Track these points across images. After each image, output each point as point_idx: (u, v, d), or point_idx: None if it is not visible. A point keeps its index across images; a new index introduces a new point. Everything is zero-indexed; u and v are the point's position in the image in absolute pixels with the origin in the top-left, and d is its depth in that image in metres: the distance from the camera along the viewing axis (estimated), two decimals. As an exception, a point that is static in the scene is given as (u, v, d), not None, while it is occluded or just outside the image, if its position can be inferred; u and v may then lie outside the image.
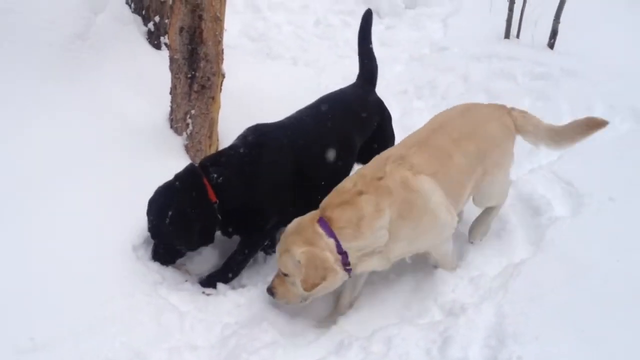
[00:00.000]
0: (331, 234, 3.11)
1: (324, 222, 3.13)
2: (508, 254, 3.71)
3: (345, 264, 3.15)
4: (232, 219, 3.54)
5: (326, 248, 3.10)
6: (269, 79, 5.88)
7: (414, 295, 3.51)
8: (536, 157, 4.67)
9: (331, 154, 3.82)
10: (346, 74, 6.25)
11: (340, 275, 3.17)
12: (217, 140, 4.42)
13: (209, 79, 4.13)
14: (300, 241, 3.11)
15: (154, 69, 4.85)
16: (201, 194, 3.40)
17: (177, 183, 3.43)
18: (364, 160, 4.04)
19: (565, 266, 3.40)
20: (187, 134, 4.25)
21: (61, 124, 4.02)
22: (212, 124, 4.28)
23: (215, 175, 3.45)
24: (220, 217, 3.46)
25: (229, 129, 4.57)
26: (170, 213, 3.34)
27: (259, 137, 3.64)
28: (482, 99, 5.88)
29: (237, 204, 3.50)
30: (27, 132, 3.86)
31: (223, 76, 4.30)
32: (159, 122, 4.40)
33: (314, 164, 3.74)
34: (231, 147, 3.62)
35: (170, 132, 4.34)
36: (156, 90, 4.56)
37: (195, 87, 4.14)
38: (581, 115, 5.20)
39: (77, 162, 3.80)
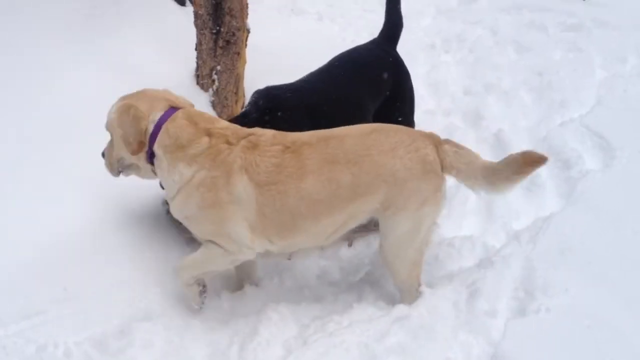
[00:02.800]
0: (163, 117, 2.85)
1: (172, 111, 2.89)
2: (538, 207, 3.66)
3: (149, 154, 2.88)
4: None
5: (149, 109, 2.88)
6: (294, 35, 5.83)
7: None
8: (567, 110, 4.59)
9: (342, 116, 3.75)
10: (372, 28, 6.14)
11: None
12: (243, 95, 4.41)
13: (233, 34, 4.11)
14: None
15: (180, 26, 4.84)
16: None
17: None
18: (382, 119, 3.98)
19: (595, 219, 3.35)
20: (213, 90, 4.25)
21: (88, 82, 4.04)
22: (238, 80, 4.27)
23: None
24: None
25: (255, 84, 4.55)
26: None
27: (270, 101, 3.55)
28: (511, 51, 5.79)
29: None
30: (56, 91, 3.90)
31: (248, 31, 4.27)
32: (186, 79, 4.40)
33: (326, 123, 3.66)
34: (244, 114, 3.53)
35: (197, 88, 4.35)
36: (182, 47, 4.55)
37: (220, 42, 4.12)
38: (614, 67, 5.16)
39: (100, 116, 3.82)
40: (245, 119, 3.43)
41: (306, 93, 3.64)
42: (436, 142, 2.97)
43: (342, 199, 2.83)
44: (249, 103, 3.60)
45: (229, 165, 2.76)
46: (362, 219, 2.96)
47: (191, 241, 3.21)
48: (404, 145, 2.89)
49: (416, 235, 2.96)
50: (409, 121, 4.09)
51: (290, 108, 3.54)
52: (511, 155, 2.94)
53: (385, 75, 3.97)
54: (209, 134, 2.82)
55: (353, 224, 2.97)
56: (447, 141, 3.00)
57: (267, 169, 2.77)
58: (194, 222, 2.90)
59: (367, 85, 3.88)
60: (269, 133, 2.89)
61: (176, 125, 2.83)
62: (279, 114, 3.48)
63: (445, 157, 2.93)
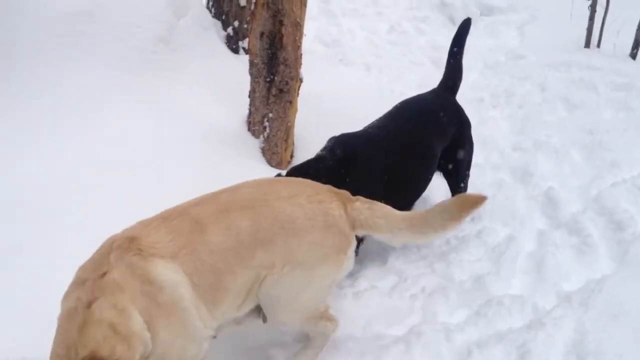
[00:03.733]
0: None
1: None
2: (589, 269, 3.58)
3: None
4: None
5: None
6: (343, 85, 5.92)
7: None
8: (619, 170, 4.52)
9: (416, 161, 3.79)
10: (420, 80, 6.26)
11: None
12: (293, 143, 4.47)
13: (287, 83, 4.19)
14: None
15: (233, 73, 4.97)
16: None
17: None
18: (444, 169, 3.99)
19: (650, 284, 3.27)
20: (264, 136, 4.31)
21: (142, 125, 4.15)
22: (288, 128, 4.33)
23: None
24: None
25: (304, 132, 4.62)
26: None
27: (347, 148, 3.56)
28: (560, 108, 5.77)
29: None
30: (109, 132, 4.01)
31: (301, 80, 4.34)
32: (237, 125, 4.49)
33: (400, 171, 3.69)
34: (318, 159, 3.52)
35: (248, 134, 4.42)
36: (234, 93, 4.66)
37: (274, 91, 4.20)
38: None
39: (158, 163, 3.91)
40: (319, 164, 3.47)
41: (380, 139, 3.68)
42: (344, 199, 2.79)
43: (246, 246, 2.52)
44: (324, 148, 3.60)
45: (133, 274, 2.30)
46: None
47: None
48: (306, 194, 2.69)
49: (313, 295, 2.75)
50: (466, 171, 4.17)
51: (367, 154, 3.58)
52: (441, 202, 2.82)
53: (450, 120, 4.02)
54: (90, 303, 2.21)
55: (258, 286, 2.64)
56: (358, 198, 2.83)
57: (167, 242, 2.40)
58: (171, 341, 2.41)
59: (436, 130, 3.93)
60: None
61: None
62: (356, 161, 3.51)
63: (358, 215, 2.75)
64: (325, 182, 3.20)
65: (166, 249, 2.38)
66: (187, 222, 2.47)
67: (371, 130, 3.78)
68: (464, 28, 4.29)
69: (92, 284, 2.25)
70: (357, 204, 2.79)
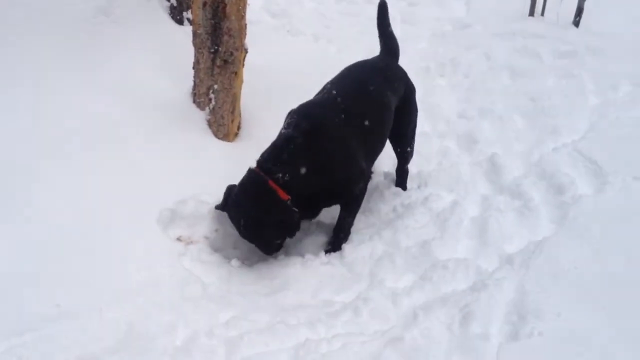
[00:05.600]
0: None
1: None
2: (530, 231, 3.68)
3: None
4: (321, 201, 3.61)
5: None
6: (291, 55, 5.88)
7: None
8: (560, 135, 4.64)
9: (376, 118, 3.81)
10: (368, 50, 6.20)
11: None
12: (240, 115, 4.43)
13: (232, 53, 4.13)
14: None
15: (177, 44, 4.87)
16: (271, 199, 3.41)
17: (244, 193, 3.46)
18: (392, 132, 4.02)
19: (587, 244, 3.37)
20: (209, 108, 4.26)
21: (83, 98, 4.04)
22: (234, 99, 4.28)
23: (280, 175, 3.41)
24: (297, 208, 3.46)
25: (251, 103, 4.58)
26: (249, 224, 3.44)
27: (311, 121, 3.54)
28: (505, 76, 5.87)
29: (320, 189, 3.52)
30: (49, 107, 3.89)
31: (246, 51, 4.29)
32: (182, 97, 4.41)
33: (364, 130, 3.69)
34: (287, 139, 3.50)
35: (193, 106, 4.35)
36: (179, 65, 4.57)
37: (218, 62, 4.14)
38: (606, 93, 5.21)
39: (100, 137, 3.84)
40: (290, 145, 3.48)
41: (340, 103, 3.68)
42: None
43: None
44: (288, 125, 3.58)
45: None
46: None
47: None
48: None
49: None
50: (413, 134, 4.24)
51: (333, 123, 3.59)
52: None
53: (400, 81, 4.09)
54: None
55: None
56: None
57: None
58: None
59: (389, 87, 3.96)
60: None
61: None
62: (324, 132, 3.53)
63: None
64: (302, 164, 3.41)
65: None
66: None
67: (327, 95, 3.77)
68: (382, 10, 4.32)
69: None
70: None
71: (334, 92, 3.75)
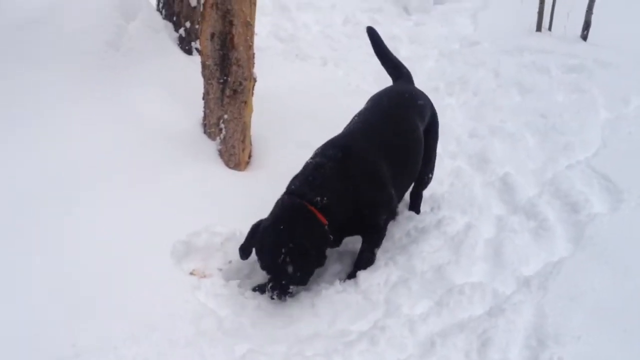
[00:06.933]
0: None
1: None
2: (547, 252, 3.65)
3: None
4: (347, 229, 3.57)
5: None
6: (299, 80, 5.91)
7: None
8: (573, 152, 4.61)
9: (406, 146, 3.85)
10: (376, 73, 6.25)
11: None
12: (250, 144, 4.44)
13: (240, 83, 4.16)
14: None
15: (186, 75, 4.91)
16: (313, 222, 3.35)
17: (286, 219, 3.35)
18: None
19: (605, 265, 3.34)
20: (220, 138, 4.28)
21: (94, 131, 4.08)
22: (245, 128, 4.30)
23: (318, 199, 3.38)
24: (331, 235, 3.44)
25: (261, 132, 4.60)
26: (289, 250, 3.27)
27: (340, 148, 3.56)
28: (514, 93, 5.87)
29: (349, 215, 3.49)
30: (62, 139, 3.93)
31: (255, 80, 4.32)
32: (192, 128, 4.44)
33: (396, 156, 3.72)
34: (317, 166, 3.49)
35: (204, 137, 4.38)
36: (189, 95, 4.60)
37: (228, 92, 4.17)
38: (617, 108, 5.18)
39: (113, 169, 3.86)
40: (321, 170, 3.47)
41: (368, 132, 3.73)
42: None
43: None
44: (316, 155, 3.60)
45: None
46: None
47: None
48: None
49: None
50: (434, 160, 4.29)
51: (362, 147, 3.61)
52: None
53: (426, 107, 4.12)
54: None
55: None
56: None
57: None
58: None
59: (418, 115, 3.99)
60: None
61: None
62: (354, 155, 3.54)
63: None
64: (337, 187, 3.41)
65: None
66: None
67: (354, 127, 3.81)
68: (373, 37, 4.41)
69: None
70: None
71: (362, 124, 3.80)
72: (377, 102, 4.02)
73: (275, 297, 3.41)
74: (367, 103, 4.07)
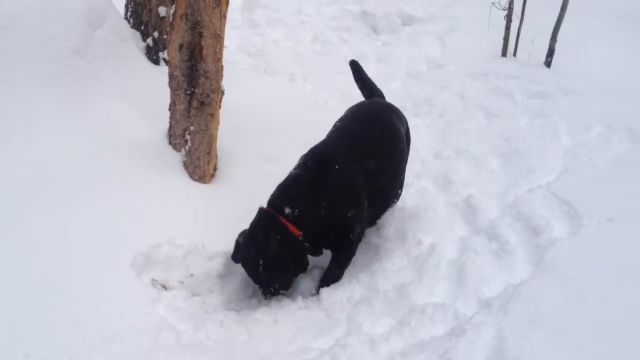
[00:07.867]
0: None
1: None
2: (508, 274, 3.67)
3: None
4: (320, 240, 3.66)
5: None
6: (267, 95, 5.90)
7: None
8: (534, 176, 4.67)
9: (389, 155, 3.93)
10: (343, 90, 6.30)
11: None
12: (216, 156, 4.40)
13: (208, 95, 4.12)
14: None
15: (153, 85, 4.86)
16: (285, 234, 3.47)
17: (259, 232, 3.51)
18: None
19: (565, 288, 3.36)
20: (185, 150, 4.23)
21: (56, 140, 4.01)
22: (211, 141, 4.26)
23: (290, 211, 3.49)
24: (308, 244, 3.55)
25: (227, 144, 4.56)
26: (265, 262, 3.46)
27: (318, 160, 3.66)
28: (479, 116, 5.92)
29: (322, 227, 3.58)
30: (22, 147, 3.86)
31: (222, 93, 4.29)
32: (158, 138, 4.38)
33: (376, 166, 3.79)
34: (294, 178, 3.62)
35: (169, 148, 4.32)
36: (154, 106, 4.55)
37: (195, 103, 4.12)
38: (579, 134, 5.27)
39: (73, 178, 3.79)
40: (296, 182, 3.58)
41: (348, 141, 3.80)
42: None
43: None
44: (297, 166, 3.68)
45: None
46: None
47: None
48: None
49: None
50: (404, 175, 4.33)
51: (342, 160, 3.65)
52: None
53: (403, 120, 4.26)
54: None
55: None
56: None
57: None
58: None
59: (400, 122, 4.12)
60: None
61: None
62: (329, 168, 3.61)
63: None
64: (309, 199, 3.50)
65: None
66: None
67: (334, 136, 3.88)
68: (355, 68, 4.57)
69: None
70: None
71: (342, 132, 3.88)
72: (360, 111, 4.10)
73: (268, 297, 3.65)
74: (347, 112, 4.14)
